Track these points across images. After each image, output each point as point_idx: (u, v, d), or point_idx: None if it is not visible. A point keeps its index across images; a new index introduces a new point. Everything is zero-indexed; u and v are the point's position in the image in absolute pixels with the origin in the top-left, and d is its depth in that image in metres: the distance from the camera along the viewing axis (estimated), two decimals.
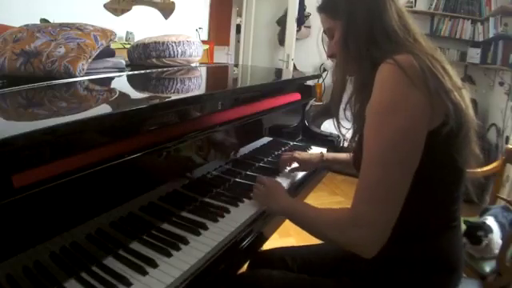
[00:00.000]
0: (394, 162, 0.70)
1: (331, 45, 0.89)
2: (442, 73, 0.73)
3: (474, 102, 3.27)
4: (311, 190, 1.37)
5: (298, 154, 1.28)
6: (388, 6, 0.80)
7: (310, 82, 1.71)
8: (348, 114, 0.89)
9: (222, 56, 4.58)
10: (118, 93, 1.13)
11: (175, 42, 1.51)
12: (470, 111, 0.76)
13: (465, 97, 0.76)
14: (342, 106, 0.89)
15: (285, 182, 1.20)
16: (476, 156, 0.79)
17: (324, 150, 1.53)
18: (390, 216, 0.70)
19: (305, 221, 0.86)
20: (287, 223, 0.96)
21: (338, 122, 0.93)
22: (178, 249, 0.79)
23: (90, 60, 1.17)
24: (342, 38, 0.84)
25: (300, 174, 1.30)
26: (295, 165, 1.29)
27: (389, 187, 0.70)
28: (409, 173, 0.71)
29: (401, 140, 0.69)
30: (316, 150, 1.53)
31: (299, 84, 1.64)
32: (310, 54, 4.26)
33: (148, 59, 1.50)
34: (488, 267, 1.46)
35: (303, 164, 1.27)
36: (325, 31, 0.91)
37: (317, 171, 1.35)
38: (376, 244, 0.71)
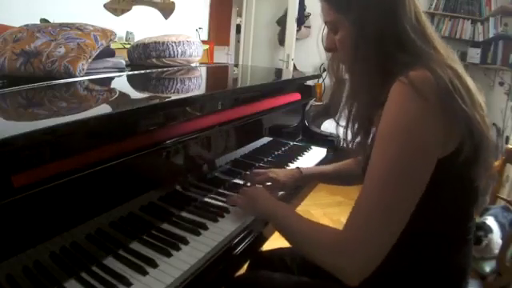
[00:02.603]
0: (397, 191, 0.65)
1: (331, 38, 0.80)
2: (464, 95, 0.66)
3: None
4: (307, 195, 1.30)
5: (272, 173, 1.12)
6: (407, 8, 0.70)
7: (310, 82, 1.71)
8: (345, 115, 0.86)
9: (222, 56, 4.58)
10: (117, 93, 1.13)
11: (175, 42, 1.51)
12: (490, 135, 0.71)
13: (486, 120, 0.70)
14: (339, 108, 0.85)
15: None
16: (493, 177, 0.76)
17: (324, 150, 1.54)
18: (383, 249, 0.65)
19: (287, 229, 0.79)
20: None
21: (338, 124, 0.89)
22: (177, 249, 0.79)
23: (89, 60, 1.17)
24: (350, 44, 0.74)
25: None
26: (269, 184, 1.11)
27: (386, 218, 0.65)
28: (411, 203, 0.65)
29: (407, 168, 0.64)
30: (316, 150, 1.54)
31: (299, 84, 1.64)
32: (310, 54, 4.25)
33: (148, 59, 1.50)
34: (488, 267, 1.46)
35: (279, 185, 1.10)
36: (325, 22, 0.80)
37: None
38: (361, 274, 0.65)
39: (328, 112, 3.69)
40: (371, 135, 0.77)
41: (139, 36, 2.62)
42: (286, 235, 0.79)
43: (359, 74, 0.76)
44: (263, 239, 0.99)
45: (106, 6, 2.72)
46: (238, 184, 1.15)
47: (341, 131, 0.86)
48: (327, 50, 0.83)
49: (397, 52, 0.70)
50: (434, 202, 0.69)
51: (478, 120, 0.67)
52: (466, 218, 0.77)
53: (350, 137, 0.86)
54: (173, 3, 3.14)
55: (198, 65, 1.71)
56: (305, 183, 1.19)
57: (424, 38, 0.71)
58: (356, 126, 0.81)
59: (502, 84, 3.25)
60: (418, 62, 0.67)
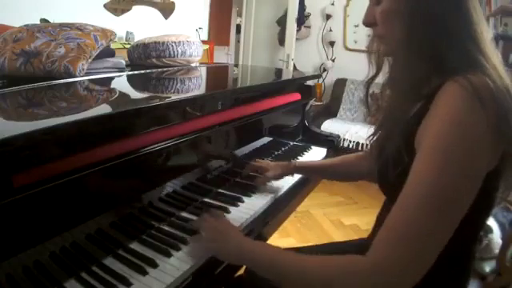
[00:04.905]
0: (443, 209, 0.57)
1: (372, 11, 0.70)
2: None
3: None
4: (306, 195, 1.29)
5: (264, 163, 1.15)
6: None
7: (310, 82, 1.71)
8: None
9: (222, 56, 4.57)
10: (117, 93, 1.13)
11: (175, 42, 1.51)
12: None
13: None
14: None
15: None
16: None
17: (324, 150, 1.54)
18: (423, 266, 0.57)
19: (287, 268, 0.66)
20: (287, 224, 0.94)
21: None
22: (178, 249, 0.79)
23: (89, 60, 1.17)
24: (395, 18, 0.65)
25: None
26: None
27: (427, 236, 0.57)
28: (456, 223, 0.58)
29: (458, 187, 0.57)
30: (316, 150, 1.54)
31: (299, 84, 1.64)
32: (310, 54, 4.26)
33: (148, 59, 1.50)
34: (488, 267, 1.46)
35: (268, 172, 1.11)
36: None
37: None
38: None
39: (328, 112, 3.69)
40: (397, 135, 0.67)
41: (139, 36, 2.62)
42: (285, 276, 0.66)
43: (402, 56, 0.66)
44: (263, 239, 0.99)
45: (106, 6, 2.72)
46: (239, 183, 1.15)
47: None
48: (366, 24, 0.73)
49: (468, 45, 0.61)
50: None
51: None
52: (479, 226, 0.72)
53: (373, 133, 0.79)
54: (173, 3, 3.14)
55: (198, 65, 1.71)
56: (295, 172, 1.16)
57: (482, 39, 0.63)
58: (385, 118, 0.74)
59: None
60: (479, 65, 0.60)
